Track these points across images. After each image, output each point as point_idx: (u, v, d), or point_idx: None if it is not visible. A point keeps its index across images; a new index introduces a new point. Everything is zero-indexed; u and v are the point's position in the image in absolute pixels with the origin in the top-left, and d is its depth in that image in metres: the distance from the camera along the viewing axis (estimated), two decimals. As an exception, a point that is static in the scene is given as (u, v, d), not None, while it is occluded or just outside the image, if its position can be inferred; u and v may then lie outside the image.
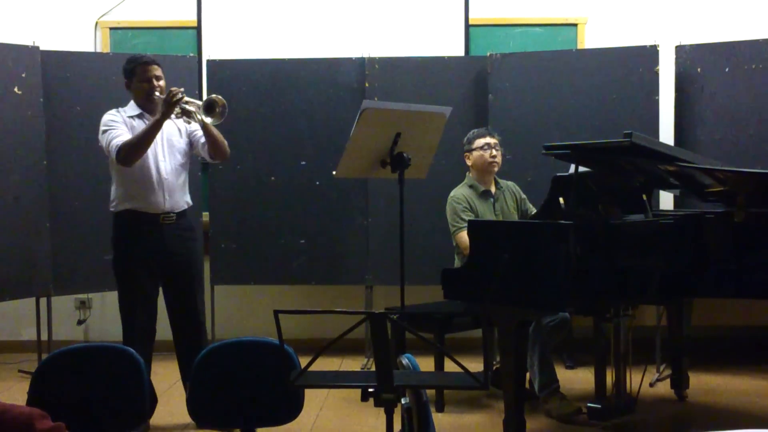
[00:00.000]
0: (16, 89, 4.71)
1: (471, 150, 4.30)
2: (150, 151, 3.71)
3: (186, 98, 3.65)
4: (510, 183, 4.45)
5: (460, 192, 4.29)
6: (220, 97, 3.67)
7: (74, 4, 5.44)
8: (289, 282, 5.22)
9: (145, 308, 3.80)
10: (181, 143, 3.87)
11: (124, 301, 3.82)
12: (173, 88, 3.62)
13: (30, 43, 4.79)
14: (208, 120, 3.66)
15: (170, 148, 3.81)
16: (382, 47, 5.27)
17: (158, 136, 3.72)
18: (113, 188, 3.82)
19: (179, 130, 3.88)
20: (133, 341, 3.71)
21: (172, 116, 3.70)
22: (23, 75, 4.73)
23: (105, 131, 3.74)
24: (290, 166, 5.11)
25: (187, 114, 3.72)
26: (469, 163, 4.34)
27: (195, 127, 3.83)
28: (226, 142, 3.83)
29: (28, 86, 4.75)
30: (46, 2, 5.44)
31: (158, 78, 3.78)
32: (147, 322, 3.81)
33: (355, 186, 5.06)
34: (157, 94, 3.72)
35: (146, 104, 3.77)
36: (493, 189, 4.34)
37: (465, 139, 4.35)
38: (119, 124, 3.74)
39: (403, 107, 3.80)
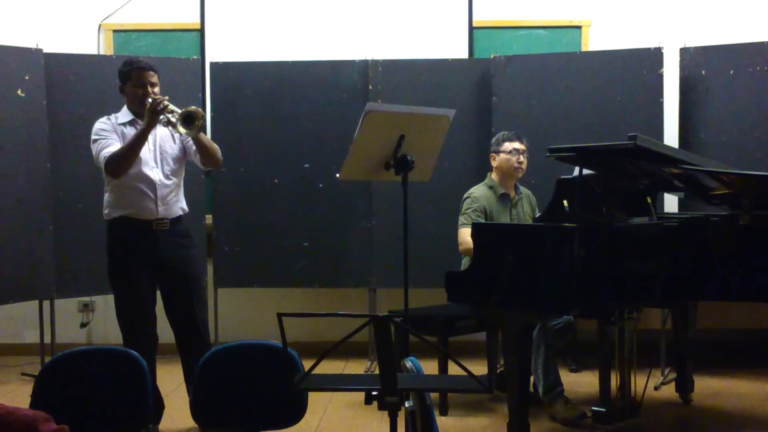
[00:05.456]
0: (19, 92, 4.71)
1: (498, 152, 4.25)
2: (142, 158, 3.64)
3: (171, 107, 3.54)
4: (528, 191, 4.42)
5: (479, 192, 4.24)
6: (200, 110, 3.54)
7: (78, 7, 5.45)
8: (292, 285, 5.21)
9: (142, 314, 3.73)
10: (175, 150, 3.78)
11: (121, 309, 3.76)
12: (157, 97, 3.55)
13: (33, 46, 4.80)
14: (182, 130, 3.52)
15: (162, 154, 3.73)
16: (386, 49, 5.27)
17: (150, 143, 3.67)
18: (105, 196, 3.76)
19: (172, 137, 3.78)
20: (133, 348, 3.69)
21: (159, 125, 3.62)
22: (27, 77, 4.74)
23: (95, 140, 3.67)
24: (293, 169, 5.10)
25: (171, 124, 3.57)
26: (494, 164, 4.29)
27: None
28: (218, 150, 3.75)
29: (32, 89, 4.75)
30: (50, 5, 5.44)
31: (153, 85, 3.66)
32: (146, 328, 3.74)
33: (359, 188, 5.05)
34: (149, 101, 3.56)
35: (139, 110, 3.64)
36: (512, 194, 4.29)
37: (494, 139, 4.31)
38: (109, 133, 3.66)
39: (407, 110, 3.80)
